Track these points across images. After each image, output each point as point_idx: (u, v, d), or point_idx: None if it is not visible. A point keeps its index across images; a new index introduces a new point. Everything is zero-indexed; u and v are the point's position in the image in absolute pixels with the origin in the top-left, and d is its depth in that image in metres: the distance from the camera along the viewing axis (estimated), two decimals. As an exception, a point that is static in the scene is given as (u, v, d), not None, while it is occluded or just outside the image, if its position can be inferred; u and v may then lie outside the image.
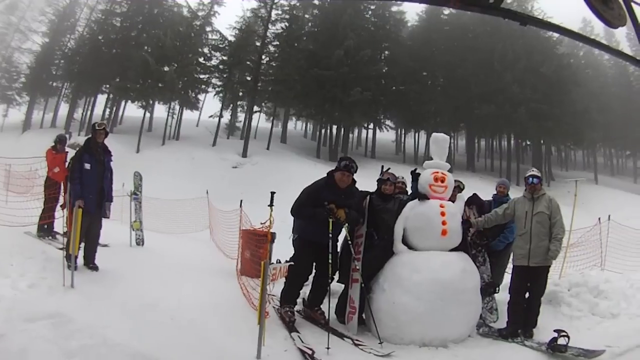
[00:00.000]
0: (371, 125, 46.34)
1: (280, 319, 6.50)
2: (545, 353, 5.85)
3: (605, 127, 48.04)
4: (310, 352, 5.33)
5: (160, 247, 11.57)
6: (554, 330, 5.92)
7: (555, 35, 41.68)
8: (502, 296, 7.36)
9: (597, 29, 46.52)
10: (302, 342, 5.64)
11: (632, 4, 4.10)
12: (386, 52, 46.62)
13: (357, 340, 6.01)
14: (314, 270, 6.73)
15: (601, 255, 11.60)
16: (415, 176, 7.15)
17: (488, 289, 7.37)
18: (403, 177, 7.80)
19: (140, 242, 11.56)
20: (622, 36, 43.44)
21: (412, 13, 49.90)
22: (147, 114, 39.70)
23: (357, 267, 6.45)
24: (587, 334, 6.63)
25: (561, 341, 5.76)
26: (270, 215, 5.84)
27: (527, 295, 6.75)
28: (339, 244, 6.80)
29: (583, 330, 6.79)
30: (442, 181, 6.84)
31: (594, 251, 11.64)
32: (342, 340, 6.03)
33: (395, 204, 6.94)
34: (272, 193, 6.04)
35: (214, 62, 42.15)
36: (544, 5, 45.04)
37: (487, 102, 41.26)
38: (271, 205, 5.89)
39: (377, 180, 7.16)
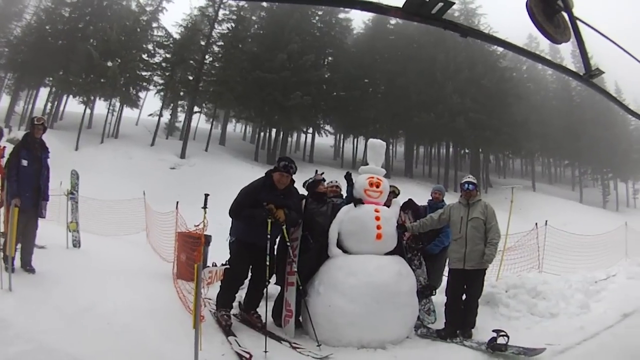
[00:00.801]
0: (310, 130, 46.66)
1: (217, 322, 6.36)
2: (485, 352, 5.92)
3: (544, 138, 50.27)
4: (247, 356, 5.24)
5: (96, 249, 11.20)
6: (493, 330, 6.02)
7: (500, 49, 43.22)
8: (440, 298, 7.41)
9: (543, 45, 48.44)
10: (240, 346, 5.52)
11: (577, 21, 4.16)
12: (329, 58, 47.07)
13: (294, 343, 5.94)
14: (249, 274, 6.61)
15: (539, 258, 11.87)
16: (349, 180, 7.18)
17: (425, 291, 7.42)
18: (337, 181, 7.84)
19: (77, 244, 11.13)
20: (567, 53, 45.24)
21: (359, 21, 50.76)
22: (88, 111, 38.72)
23: (293, 270, 6.38)
24: (526, 333, 6.78)
25: (500, 340, 5.84)
26: (204, 217, 5.65)
27: (464, 297, 6.85)
28: (277, 246, 6.73)
29: (522, 330, 6.93)
30: (377, 186, 6.89)
31: (531, 254, 11.89)
32: (279, 343, 5.94)
33: (329, 207, 6.93)
34: (206, 195, 5.88)
35: (157, 59, 41.31)
36: (490, 20, 46.42)
37: (427, 110, 42.23)
38: (205, 207, 5.71)
39: (310, 184, 7.19)
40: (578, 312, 7.68)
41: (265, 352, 5.36)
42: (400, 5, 2.92)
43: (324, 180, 7.20)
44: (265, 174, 6.56)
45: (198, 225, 5.83)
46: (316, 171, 7.57)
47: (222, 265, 6.57)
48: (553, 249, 12.75)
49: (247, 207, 6.24)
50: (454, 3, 3.03)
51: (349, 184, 7.14)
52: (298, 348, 5.75)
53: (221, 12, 41.43)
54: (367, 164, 7.29)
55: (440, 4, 2.87)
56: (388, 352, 5.92)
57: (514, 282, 8.40)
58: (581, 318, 7.44)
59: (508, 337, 5.83)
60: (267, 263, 6.10)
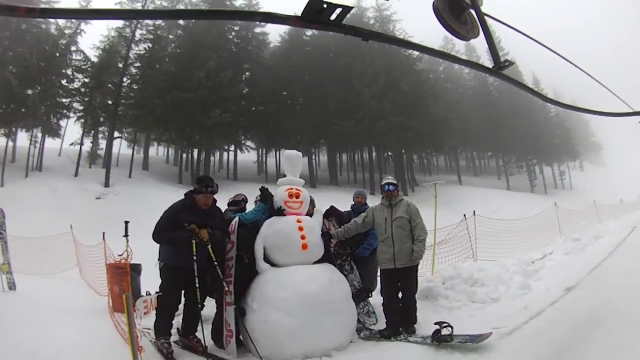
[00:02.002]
0: (232, 147, 46.37)
1: (159, 351, 6.20)
2: (432, 345, 5.97)
3: (466, 133, 52.57)
4: (192, 381, 5.07)
5: (32, 290, 10.69)
6: (435, 323, 6.08)
7: (415, 53, 44.37)
8: (378, 299, 7.43)
9: (459, 45, 50.43)
10: (184, 372, 5.35)
11: (485, 17, 4.26)
12: (247, 73, 46.97)
13: (238, 362, 5.82)
14: (183, 298, 6.48)
15: (472, 247, 12.10)
16: (263, 192, 7.16)
17: (361, 295, 7.45)
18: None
19: (12, 286, 10.52)
20: (483, 51, 47.05)
21: (275, 34, 50.91)
22: (10, 143, 36.72)
23: (229, 290, 6.31)
24: (470, 321, 6.89)
25: (445, 331, 5.92)
26: (127, 246, 5.47)
27: (400, 295, 6.91)
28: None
29: (465, 318, 7.06)
30: (297, 197, 6.95)
31: (464, 245, 12.13)
32: (223, 364, 5.82)
33: (260, 223, 6.88)
34: (126, 222, 5.75)
35: (76, 84, 39.72)
36: (407, 26, 47.65)
37: (347, 118, 42.87)
38: (126, 235, 5.54)
39: (230, 202, 7.35)
40: (520, 293, 7.89)
41: (209, 375, 5.23)
42: (299, 14, 2.90)
43: (243, 200, 7.32)
44: (185, 194, 6.47)
45: (122, 255, 5.66)
46: (261, 187, 7.46)
47: (156, 292, 6.37)
48: (485, 237, 13.03)
49: (168, 230, 6.11)
50: (352, 8, 3.04)
51: (264, 198, 7.10)
52: (241, 367, 5.64)
53: (138, 32, 40.79)
54: (284, 176, 7.30)
55: (339, 10, 2.86)
56: (334, 359, 5.91)
57: (450, 274, 8.56)
58: (523, 298, 7.64)
59: (452, 327, 5.91)
60: (197, 285, 6.00)
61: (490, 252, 12.38)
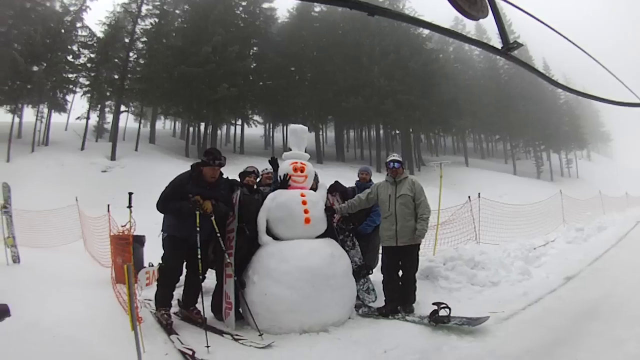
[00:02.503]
0: (239, 122, 46.46)
1: (158, 322, 6.25)
2: (428, 326, 6.02)
3: (474, 115, 52.05)
4: (190, 352, 5.17)
5: (36, 263, 10.88)
6: (433, 303, 6.11)
7: (425, 31, 44.60)
8: (378, 277, 7.45)
9: (469, 27, 49.99)
10: (182, 343, 5.46)
11: None
12: (255, 48, 46.70)
13: (236, 335, 5.89)
14: (184, 270, 6.51)
15: (475, 230, 12.12)
16: (274, 165, 7.21)
17: (361, 271, 7.49)
18: (266, 169, 7.85)
19: (16, 259, 10.82)
20: (493, 33, 46.59)
21: (283, 9, 50.72)
22: (17, 119, 36.71)
23: (230, 262, 6.33)
24: (468, 303, 6.96)
25: (442, 312, 5.96)
26: (130, 216, 5.49)
27: (400, 273, 6.95)
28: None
29: (464, 300, 7.13)
30: (302, 171, 6.94)
31: (467, 227, 12.15)
32: (221, 337, 5.88)
33: (261, 196, 6.92)
34: (130, 194, 5.77)
35: (82, 60, 39.63)
36: (416, 5, 47.11)
37: (355, 94, 42.67)
38: (130, 206, 5.56)
39: (240, 174, 7.22)
40: (520, 279, 7.94)
41: (207, 347, 5.29)
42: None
43: (254, 172, 7.22)
44: (191, 166, 6.44)
45: (125, 226, 5.69)
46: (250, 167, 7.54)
47: (159, 264, 6.41)
48: (489, 220, 13.01)
49: (173, 201, 6.13)
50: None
51: (275, 169, 7.15)
52: (240, 340, 5.71)
53: (144, 7, 40.61)
54: (290, 150, 7.29)
55: (345, -17, 2.83)
56: (331, 334, 5.93)
57: (452, 255, 8.58)
58: (523, 284, 7.72)
59: (450, 308, 5.94)
60: (199, 257, 6.01)
61: (493, 235, 12.41)
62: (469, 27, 52.53)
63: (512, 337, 5.58)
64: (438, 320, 5.92)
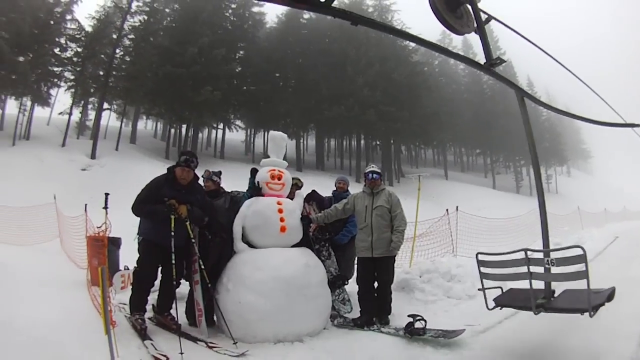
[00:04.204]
0: (221, 125, 46.37)
1: (132, 327, 6.18)
2: (404, 338, 6.03)
3: (456, 128, 52.67)
4: (164, 358, 5.14)
5: (11, 261, 10.54)
6: (409, 315, 6.14)
7: (412, 44, 44.38)
8: (354, 287, 7.49)
9: (456, 41, 50.46)
10: (156, 349, 5.41)
11: (481, 12, 4.25)
12: (241, 52, 46.59)
13: (210, 342, 5.86)
14: (159, 275, 6.45)
15: (452, 242, 12.14)
16: (254, 174, 7.14)
17: (337, 282, 7.49)
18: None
19: (-11, 256, 10.55)
20: (479, 48, 47.04)
21: (272, 15, 50.84)
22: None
23: (196, 269, 6.33)
24: (444, 316, 7.04)
25: (418, 325, 5.99)
26: (106, 218, 5.45)
27: (376, 284, 6.96)
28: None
29: (440, 313, 7.20)
30: (279, 179, 6.95)
31: (444, 239, 12.18)
32: (195, 344, 5.85)
33: (227, 201, 6.96)
34: (106, 195, 5.72)
35: (68, 53, 38.94)
36: (405, 17, 47.46)
37: (337, 104, 42.86)
38: (105, 207, 5.52)
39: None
40: (497, 293, 7.97)
41: (181, 353, 5.24)
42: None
43: (210, 179, 7.15)
44: (167, 169, 6.40)
45: (100, 227, 5.64)
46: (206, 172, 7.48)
47: (134, 267, 6.37)
48: (467, 233, 13.04)
49: (149, 204, 6.09)
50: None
51: (252, 177, 7.09)
52: (214, 347, 5.68)
53: (134, 3, 40.31)
54: (268, 157, 7.29)
55: (330, -9, 2.85)
56: (305, 344, 5.93)
57: (428, 267, 8.62)
58: (499, 298, 7.75)
59: (425, 321, 5.98)
60: (174, 262, 5.96)
61: (471, 248, 12.38)
62: (455, 41, 53.15)
63: (488, 349, 5.62)
64: (414, 332, 5.94)
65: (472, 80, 58.59)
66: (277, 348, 5.80)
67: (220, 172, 7.37)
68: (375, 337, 6.25)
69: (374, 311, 6.78)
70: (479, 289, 5.96)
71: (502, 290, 5.84)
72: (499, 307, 5.60)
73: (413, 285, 8.17)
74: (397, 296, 7.22)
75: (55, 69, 38.52)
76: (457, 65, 59.74)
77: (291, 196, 7.18)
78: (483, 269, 5.75)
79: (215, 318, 6.49)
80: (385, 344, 5.98)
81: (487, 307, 5.56)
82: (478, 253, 5.72)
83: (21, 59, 34.73)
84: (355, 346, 5.90)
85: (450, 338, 5.75)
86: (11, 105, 37.84)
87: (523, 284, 5.51)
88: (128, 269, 8.68)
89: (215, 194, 7.00)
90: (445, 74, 59.18)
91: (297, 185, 7.61)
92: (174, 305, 6.20)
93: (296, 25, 48.96)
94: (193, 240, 6.23)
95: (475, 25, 4.34)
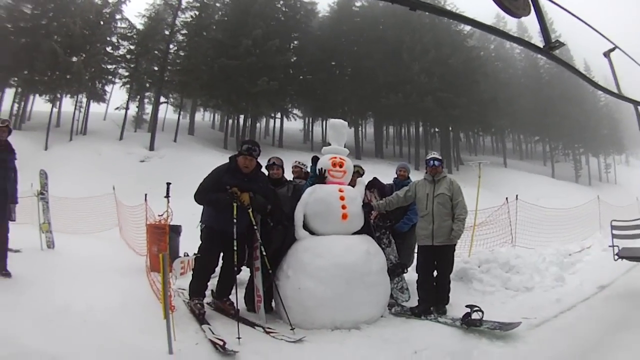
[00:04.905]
0: (278, 115, 46.48)
1: (191, 312, 6.29)
2: (460, 328, 5.95)
3: (514, 115, 51.03)
4: (221, 343, 5.15)
5: (70, 248, 11.02)
6: (466, 306, 6.05)
7: (467, 28, 44.08)
8: (413, 276, 7.40)
9: (510, 24, 49.04)
10: (213, 333, 5.46)
11: None
12: (295, 42, 46.58)
13: (268, 328, 5.90)
14: (221, 261, 6.52)
15: (511, 232, 11.96)
16: (315, 162, 7.12)
17: (396, 270, 7.47)
18: (300, 162, 7.88)
19: (50, 244, 10.97)
20: (534, 32, 45.61)
21: (324, 4, 50.48)
22: (55, 109, 37.57)
23: (257, 255, 6.37)
24: (501, 307, 6.88)
25: (475, 316, 5.89)
26: (167, 206, 5.55)
27: (435, 273, 6.89)
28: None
29: (497, 304, 7.04)
30: (341, 166, 6.89)
31: (503, 229, 12.01)
32: (253, 329, 5.90)
33: (290, 189, 6.96)
34: (168, 184, 5.82)
35: (121, 51, 40.34)
36: (457, 1, 46.44)
37: (395, 91, 42.15)
38: (167, 196, 5.61)
39: (266, 166, 7.14)
40: (553, 285, 7.78)
41: (239, 338, 5.31)
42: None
43: (275, 164, 7.16)
44: (230, 158, 6.47)
45: (162, 215, 5.74)
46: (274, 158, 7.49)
47: (194, 254, 6.47)
48: (525, 223, 12.80)
49: (211, 192, 6.16)
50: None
51: (314, 164, 7.08)
52: (271, 333, 5.73)
53: (184, 0, 40.80)
54: (329, 145, 7.27)
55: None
56: (362, 331, 5.92)
57: (487, 257, 8.48)
58: (557, 291, 7.56)
59: (482, 312, 5.88)
60: (235, 249, 6.01)
61: (529, 239, 12.18)
62: (510, 24, 51.47)
63: (543, 344, 5.49)
64: (470, 323, 5.86)
65: (529, 65, 56.72)
66: (334, 335, 5.81)
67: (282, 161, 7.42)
68: (431, 326, 6.20)
69: (432, 300, 6.70)
70: (609, 246, 7.36)
71: (618, 248, 7.34)
72: (621, 259, 7.35)
73: (471, 275, 8.05)
74: (455, 286, 7.11)
75: (109, 66, 39.75)
76: (513, 50, 58.03)
77: (352, 183, 7.14)
78: (615, 232, 7.56)
79: (273, 304, 6.56)
80: (442, 334, 5.92)
81: (614, 259, 7.31)
82: (612, 220, 7.76)
83: (74, 59, 35.85)
84: (412, 335, 5.86)
85: (506, 330, 5.65)
86: (66, 103, 39.23)
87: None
88: (187, 255, 8.85)
89: (278, 182, 7.03)
90: (502, 58, 57.44)
91: (358, 172, 7.59)
92: (233, 291, 6.24)
93: (349, 13, 48.54)
94: (255, 228, 6.28)
95: (532, 7, 4.19)
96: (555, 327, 6.00)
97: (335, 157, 6.93)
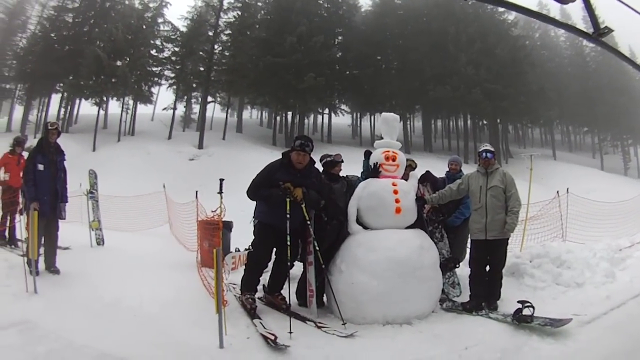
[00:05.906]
0: (326, 111, 46.40)
1: (242, 306, 6.37)
2: (511, 324, 5.88)
3: (561, 105, 49.61)
4: (272, 337, 5.21)
5: (120, 245, 11.32)
6: (518, 301, 5.95)
7: (510, 17, 43.55)
8: (464, 271, 7.38)
9: (553, 12, 47.73)
10: (265, 328, 5.53)
11: None
12: (339, 38, 46.51)
13: (319, 322, 5.94)
14: (273, 257, 6.59)
15: (562, 227, 11.78)
16: (368, 156, 7.13)
17: (448, 264, 7.35)
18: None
19: (100, 241, 11.33)
20: (578, 19, 44.43)
21: (366, -1, 50.06)
22: (102, 111, 38.71)
23: (310, 250, 6.39)
24: (552, 303, 6.72)
25: (526, 312, 5.79)
26: (221, 202, 5.65)
27: (487, 268, 6.80)
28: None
29: (548, 300, 6.89)
30: (394, 160, 6.86)
31: (554, 223, 11.82)
32: (304, 323, 5.95)
33: (344, 185, 6.98)
34: (221, 180, 5.88)
35: (165, 53, 41.24)
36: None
37: (442, 83, 41.58)
38: (220, 192, 5.71)
39: (327, 162, 7.18)
40: (604, 281, 7.59)
41: (290, 332, 5.36)
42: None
43: (342, 162, 7.19)
44: (282, 154, 6.51)
45: (215, 211, 5.85)
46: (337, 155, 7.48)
47: (246, 249, 6.58)
48: (576, 217, 12.55)
49: (264, 187, 6.23)
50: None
51: (367, 159, 7.11)
52: (323, 327, 5.76)
53: (226, 1, 41.24)
54: (381, 138, 7.26)
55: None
56: (414, 327, 5.91)
57: (538, 252, 8.33)
58: (607, 287, 7.35)
59: (534, 308, 5.78)
60: (288, 244, 6.05)
61: (580, 234, 11.90)
62: (552, 12, 50.21)
63: (593, 342, 5.38)
64: (521, 319, 5.77)
65: (574, 53, 54.70)
66: (386, 330, 5.82)
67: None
68: (482, 322, 6.14)
69: (484, 295, 6.64)
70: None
71: None
72: None
73: (523, 270, 7.91)
74: (506, 281, 6.99)
75: (154, 68, 40.72)
76: (557, 38, 56.43)
77: (405, 177, 7.13)
78: None
79: (325, 299, 6.59)
80: (493, 330, 5.87)
81: None
82: None
83: (119, 63, 36.80)
84: (463, 331, 5.83)
85: (556, 327, 5.54)
86: (113, 106, 40.31)
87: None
88: (239, 250, 8.99)
89: (334, 177, 7.06)
90: (547, 46, 55.62)
91: (411, 166, 7.56)
92: (285, 286, 6.34)
93: (391, 6, 48.06)
94: (309, 223, 6.30)
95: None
96: (605, 325, 5.88)
97: (388, 151, 6.90)
